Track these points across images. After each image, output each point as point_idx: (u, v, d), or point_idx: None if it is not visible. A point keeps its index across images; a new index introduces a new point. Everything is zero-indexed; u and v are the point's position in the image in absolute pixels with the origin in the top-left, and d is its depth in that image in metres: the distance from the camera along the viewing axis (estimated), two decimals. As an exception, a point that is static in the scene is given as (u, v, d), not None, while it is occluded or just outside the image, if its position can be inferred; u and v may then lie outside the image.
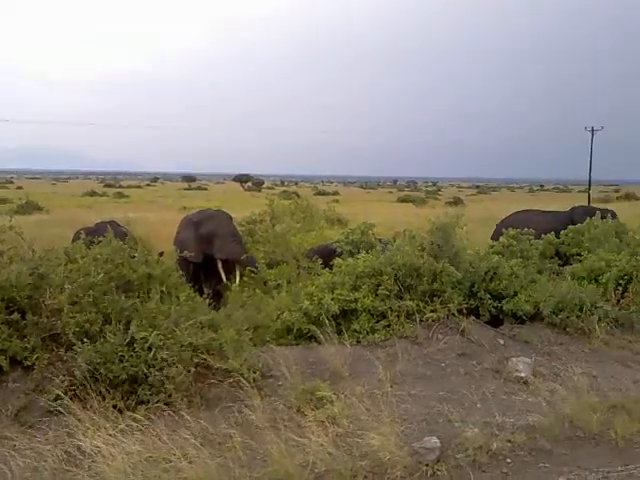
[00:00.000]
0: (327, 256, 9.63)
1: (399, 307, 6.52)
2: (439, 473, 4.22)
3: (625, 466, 4.38)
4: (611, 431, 4.79)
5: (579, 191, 71.91)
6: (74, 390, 4.69)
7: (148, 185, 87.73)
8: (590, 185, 49.05)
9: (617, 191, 67.48)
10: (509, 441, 4.62)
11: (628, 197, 50.25)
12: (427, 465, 4.26)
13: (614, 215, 11.30)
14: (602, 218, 10.23)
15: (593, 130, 46.51)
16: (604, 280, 7.45)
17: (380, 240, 9.35)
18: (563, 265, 9.22)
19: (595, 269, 7.81)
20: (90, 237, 6.28)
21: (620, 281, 7.36)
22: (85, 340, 4.84)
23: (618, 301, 7.17)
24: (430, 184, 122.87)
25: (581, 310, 6.76)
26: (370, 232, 9.82)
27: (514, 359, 5.98)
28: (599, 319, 6.74)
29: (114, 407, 4.65)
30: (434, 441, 4.43)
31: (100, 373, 4.72)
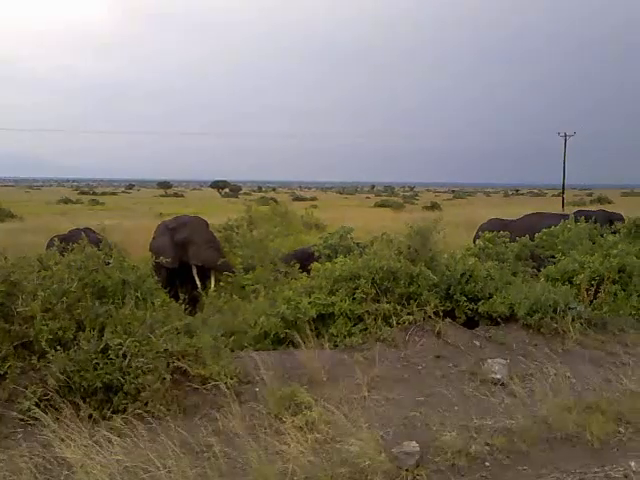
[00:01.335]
0: (305, 260, 9.64)
1: (376, 310, 6.54)
2: (419, 478, 4.21)
3: (602, 467, 4.42)
4: (587, 432, 4.83)
5: (553, 195, 72.94)
6: (48, 399, 4.60)
7: (124, 192, 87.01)
8: (564, 189, 49.82)
9: (590, 195, 68.53)
10: (487, 444, 4.64)
11: (601, 201, 51.06)
12: (407, 470, 4.25)
13: (622, 218, 11.47)
14: (609, 221, 10.42)
15: (566, 136, 47.35)
16: (577, 281, 7.54)
17: (358, 244, 9.38)
18: (538, 267, 9.32)
19: (569, 271, 7.90)
20: (64, 244, 6.19)
21: (593, 282, 7.45)
22: (58, 348, 4.75)
23: (591, 302, 7.26)
24: (407, 189, 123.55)
25: (555, 311, 6.82)
26: (348, 236, 9.85)
27: (490, 361, 6.01)
28: (573, 320, 6.82)
29: (89, 417, 4.57)
30: (413, 445, 4.42)
31: (74, 382, 4.64)
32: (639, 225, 9.72)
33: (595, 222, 10.26)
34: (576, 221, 10.26)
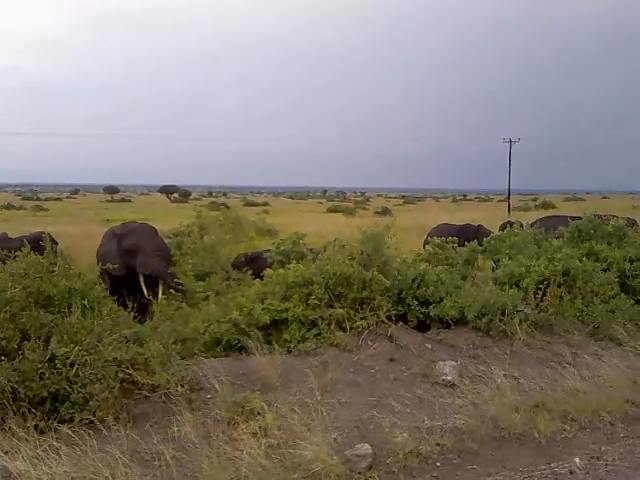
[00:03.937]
0: (251, 261, 9.72)
1: (329, 315, 6.54)
2: (371, 480, 4.25)
3: (548, 464, 4.56)
4: (534, 430, 4.97)
5: (499, 200, 74.75)
6: (-9, 411, 4.44)
7: (69, 197, 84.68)
8: (510, 194, 51.18)
9: (535, 200, 70.55)
10: (438, 444, 4.72)
11: (545, 206, 52.68)
12: (359, 473, 4.28)
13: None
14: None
15: (511, 142, 48.73)
16: (524, 285, 7.73)
17: (311, 250, 9.39)
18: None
19: (516, 274, 8.09)
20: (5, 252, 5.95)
21: (539, 286, 7.65)
22: (2, 358, 4.60)
23: (537, 304, 7.45)
24: (359, 194, 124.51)
25: (503, 314, 6.99)
26: (301, 242, 9.85)
27: (441, 363, 6.11)
28: (520, 322, 6.99)
29: (35, 427, 4.43)
30: (366, 448, 4.46)
31: (19, 392, 4.49)
32: (582, 230, 10.05)
33: None
34: None
